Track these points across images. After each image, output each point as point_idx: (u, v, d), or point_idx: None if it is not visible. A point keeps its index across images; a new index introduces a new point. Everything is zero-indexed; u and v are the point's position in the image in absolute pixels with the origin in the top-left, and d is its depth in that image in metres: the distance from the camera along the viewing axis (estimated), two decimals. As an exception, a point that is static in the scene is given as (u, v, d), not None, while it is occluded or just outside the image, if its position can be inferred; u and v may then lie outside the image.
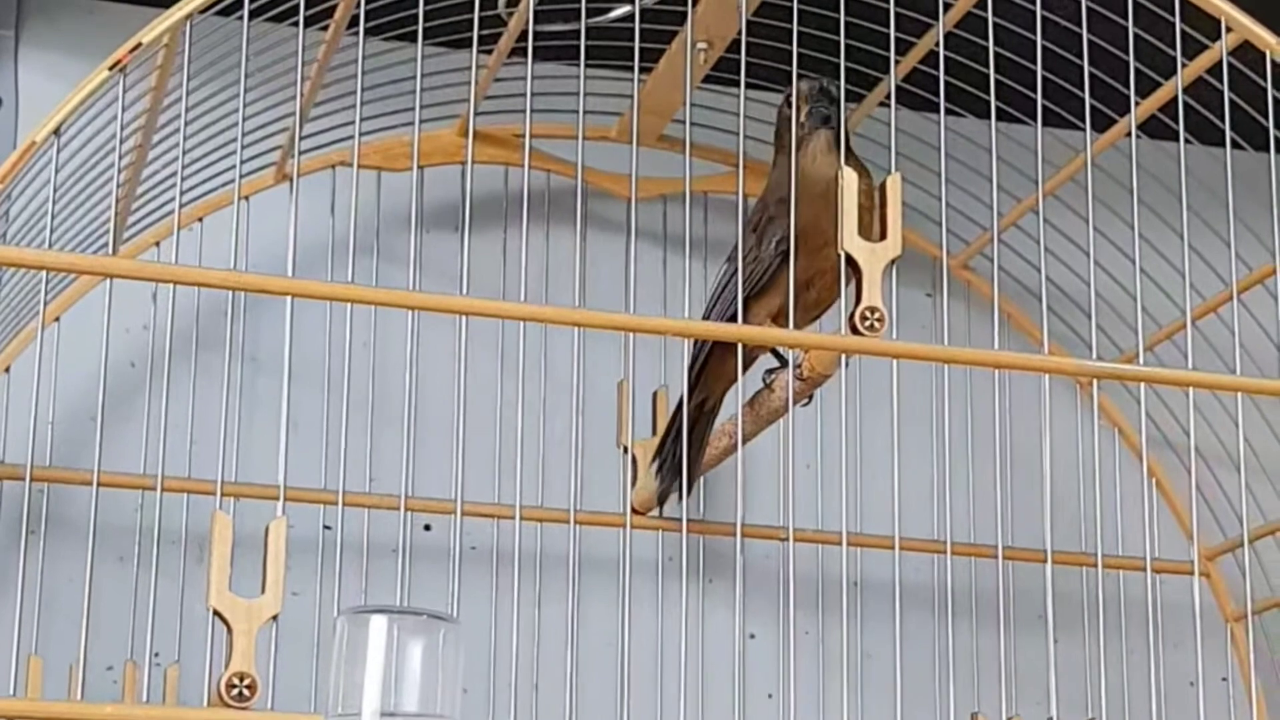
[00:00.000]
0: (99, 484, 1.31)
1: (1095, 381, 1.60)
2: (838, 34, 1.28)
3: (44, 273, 1.20)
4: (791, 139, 1.36)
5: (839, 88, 1.35)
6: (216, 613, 1.08)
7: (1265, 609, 1.56)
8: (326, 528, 1.47)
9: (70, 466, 1.47)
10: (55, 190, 1.16)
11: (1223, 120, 1.33)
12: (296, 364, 1.21)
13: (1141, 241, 1.34)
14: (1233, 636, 1.65)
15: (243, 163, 1.25)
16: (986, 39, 1.33)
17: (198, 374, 1.49)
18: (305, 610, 1.37)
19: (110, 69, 1.15)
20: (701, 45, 1.45)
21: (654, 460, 1.49)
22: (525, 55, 1.24)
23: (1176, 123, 1.34)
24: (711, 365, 1.42)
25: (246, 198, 1.51)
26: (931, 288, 1.68)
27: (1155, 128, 1.44)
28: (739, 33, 1.35)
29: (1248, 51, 1.33)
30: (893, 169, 1.23)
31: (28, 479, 1.38)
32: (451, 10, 1.39)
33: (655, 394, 1.54)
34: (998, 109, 1.32)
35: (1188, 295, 1.34)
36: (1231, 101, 1.33)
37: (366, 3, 1.25)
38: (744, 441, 1.35)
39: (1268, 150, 1.34)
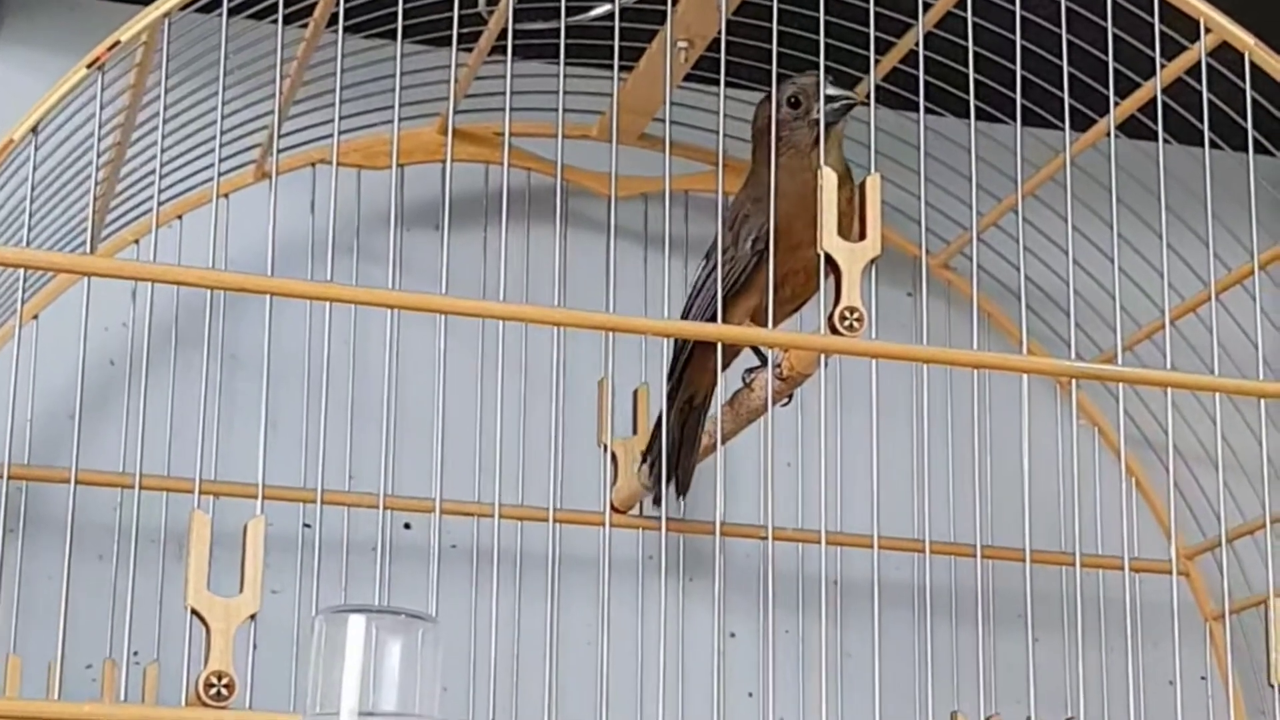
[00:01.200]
0: (77, 482, 1.30)
1: (1074, 381, 1.60)
2: (818, 33, 1.28)
3: (22, 270, 1.19)
4: (772, 137, 1.36)
5: (827, 84, 1.35)
6: (194, 612, 1.08)
7: (1244, 608, 1.56)
8: (306, 526, 1.46)
9: (49, 465, 1.47)
10: (33, 188, 1.16)
11: (1201, 120, 1.33)
12: (276, 362, 1.21)
13: (1120, 241, 1.34)
14: (1211, 635, 1.66)
15: (222, 160, 1.25)
16: (966, 39, 1.33)
17: (177, 372, 1.48)
18: (284, 609, 1.37)
19: (88, 67, 1.14)
20: (682, 44, 1.45)
21: (643, 460, 1.49)
22: (505, 53, 1.24)
23: (1155, 123, 1.35)
24: (694, 363, 1.42)
25: (226, 196, 1.50)
26: (911, 287, 1.68)
27: (1134, 128, 1.44)
28: (719, 32, 1.35)
29: (1226, 52, 1.34)
30: (872, 168, 1.23)
31: (5, 477, 1.37)
32: (431, 8, 1.39)
33: (636, 392, 1.54)
34: (977, 108, 1.32)
35: (1166, 295, 1.34)
36: (1210, 102, 1.33)
37: (346, 0, 1.25)
38: (724, 441, 1.35)
39: (1246, 150, 1.34)
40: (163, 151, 1.19)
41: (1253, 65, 1.33)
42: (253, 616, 1.09)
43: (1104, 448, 1.66)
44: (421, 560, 1.23)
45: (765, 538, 1.24)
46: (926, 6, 1.41)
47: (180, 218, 1.52)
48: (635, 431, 1.54)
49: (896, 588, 1.51)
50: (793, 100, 1.38)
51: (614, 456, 1.53)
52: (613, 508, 1.52)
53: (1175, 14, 1.33)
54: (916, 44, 1.36)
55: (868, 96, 1.30)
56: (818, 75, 1.35)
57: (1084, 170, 1.43)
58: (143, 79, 1.29)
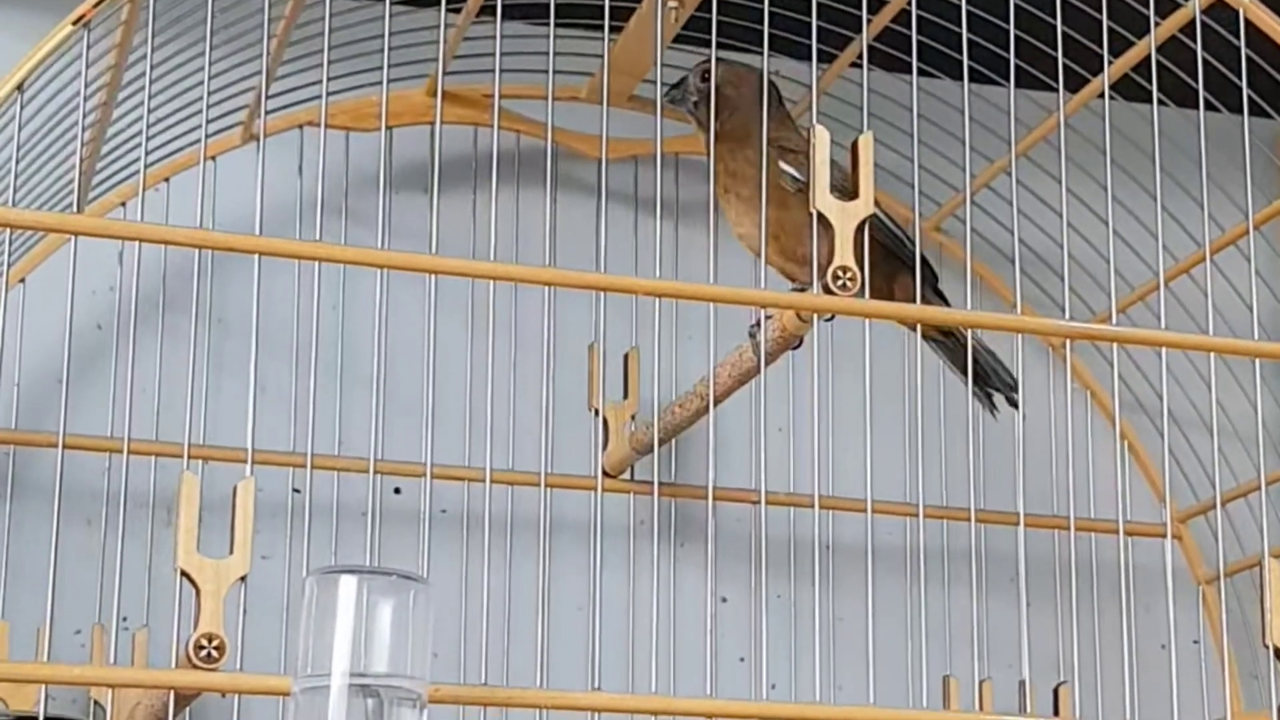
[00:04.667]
0: (65, 447, 1.29)
1: (1068, 343, 1.59)
2: (809, -8, 1.28)
3: (7, 232, 1.18)
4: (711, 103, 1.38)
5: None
6: (184, 573, 1.07)
7: (1236, 571, 1.56)
8: (296, 491, 1.46)
9: (36, 429, 1.46)
10: (19, 148, 1.14)
11: (1196, 80, 1.32)
12: (264, 326, 1.20)
13: (1114, 203, 1.33)
14: (1204, 599, 1.65)
15: (209, 122, 1.24)
16: (959, -2, 1.32)
17: (165, 336, 1.48)
18: (274, 574, 1.36)
19: (74, 24, 1.13)
20: (672, 4, 1.44)
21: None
22: (494, 14, 1.23)
23: (1150, 83, 1.34)
24: None
25: (213, 158, 1.50)
26: (904, 251, 1.67)
27: (1128, 88, 1.44)
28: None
29: (1221, 10, 1.33)
30: (865, 129, 1.22)
31: (-8, 442, 1.37)
32: (420, -32, 1.38)
33: (626, 356, 1.54)
34: (970, 69, 1.31)
35: (1160, 256, 1.33)
36: (1205, 61, 1.32)
37: (334, -40, 1.24)
38: (715, 403, 1.34)
39: (1240, 111, 1.34)
40: (149, 112, 1.18)
41: (1248, 23, 1.31)
42: (243, 578, 1.08)
43: (1097, 411, 1.66)
44: (412, 525, 1.23)
45: (757, 502, 1.24)
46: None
47: (167, 180, 1.51)
48: (626, 395, 1.53)
49: (889, 552, 1.50)
50: (704, 75, 1.42)
51: (605, 420, 1.53)
52: (604, 472, 1.52)
53: (1170, -29, 1.32)
54: (909, 3, 1.35)
55: (859, 57, 1.29)
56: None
57: (1077, 131, 1.42)
58: (128, 37, 1.28)
